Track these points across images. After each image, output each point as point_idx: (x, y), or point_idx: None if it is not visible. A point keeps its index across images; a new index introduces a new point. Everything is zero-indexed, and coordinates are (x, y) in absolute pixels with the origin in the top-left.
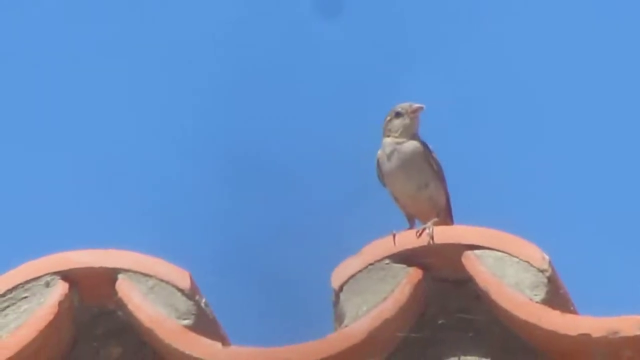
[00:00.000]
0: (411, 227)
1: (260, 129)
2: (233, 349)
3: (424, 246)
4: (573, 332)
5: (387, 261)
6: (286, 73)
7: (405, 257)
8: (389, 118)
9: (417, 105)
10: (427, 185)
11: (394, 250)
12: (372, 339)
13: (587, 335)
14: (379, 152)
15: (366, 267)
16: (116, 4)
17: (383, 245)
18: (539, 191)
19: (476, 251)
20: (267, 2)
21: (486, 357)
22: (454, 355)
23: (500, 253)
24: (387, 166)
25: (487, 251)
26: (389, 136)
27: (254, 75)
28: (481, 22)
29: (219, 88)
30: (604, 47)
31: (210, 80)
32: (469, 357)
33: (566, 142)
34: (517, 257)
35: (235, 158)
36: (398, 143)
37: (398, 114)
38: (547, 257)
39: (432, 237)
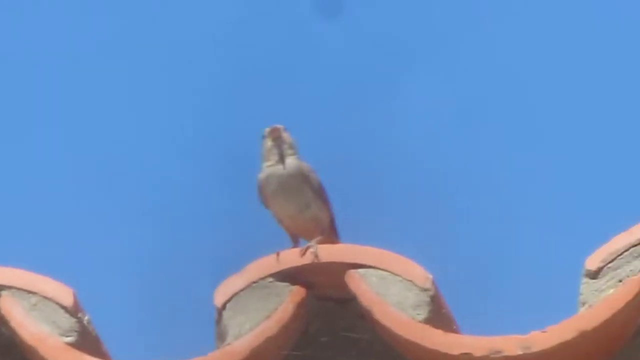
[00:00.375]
0: (295, 246)
1: (259, 128)
2: None
3: (308, 264)
4: (455, 352)
5: (270, 279)
6: (286, 73)
7: (289, 276)
8: (263, 142)
9: (270, 128)
10: (309, 206)
11: (278, 268)
12: (254, 357)
13: (469, 355)
14: (259, 175)
15: (249, 285)
16: (116, 4)
17: (267, 264)
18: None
19: (360, 270)
20: (267, 2)
21: None
22: None
23: (383, 272)
24: (267, 190)
25: (370, 270)
26: (264, 162)
27: (254, 75)
28: (481, 22)
29: (219, 88)
30: (601, 47)
31: (209, 80)
32: None
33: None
34: (400, 276)
35: (235, 158)
36: (273, 166)
37: (263, 137)
38: (430, 276)
39: (316, 256)
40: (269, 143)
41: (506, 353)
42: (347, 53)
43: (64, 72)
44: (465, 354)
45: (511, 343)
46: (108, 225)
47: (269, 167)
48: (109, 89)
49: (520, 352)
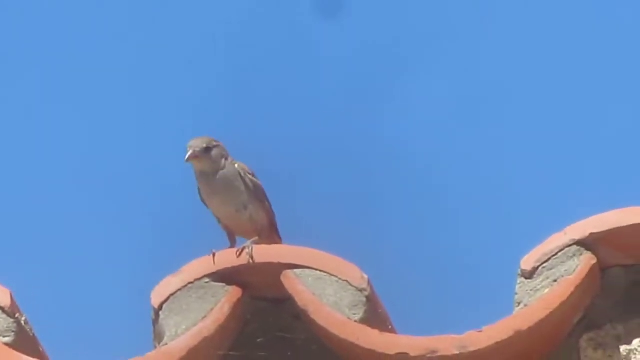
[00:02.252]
0: (232, 245)
1: (259, 128)
2: None
3: (244, 265)
4: (391, 351)
5: (206, 280)
6: (286, 73)
7: (225, 276)
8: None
9: (186, 156)
10: (246, 207)
11: (214, 269)
12: (191, 357)
13: (406, 355)
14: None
15: (186, 285)
16: (116, 5)
17: (203, 264)
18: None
19: (296, 270)
20: (267, 2)
21: None
22: None
23: (319, 272)
24: (204, 190)
25: (306, 270)
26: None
27: (254, 74)
28: (481, 22)
29: (218, 88)
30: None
31: (209, 80)
32: None
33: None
34: (336, 277)
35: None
36: (206, 171)
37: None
38: (365, 276)
39: (251, 257)
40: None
41: (442, 353)
42: (347, 52)
43: (61, 72)
44: (402, 353)
45: (447, 343)
46: (43, 224)
47: (203, 171)
48: (108, 89)
49: (456, 352)
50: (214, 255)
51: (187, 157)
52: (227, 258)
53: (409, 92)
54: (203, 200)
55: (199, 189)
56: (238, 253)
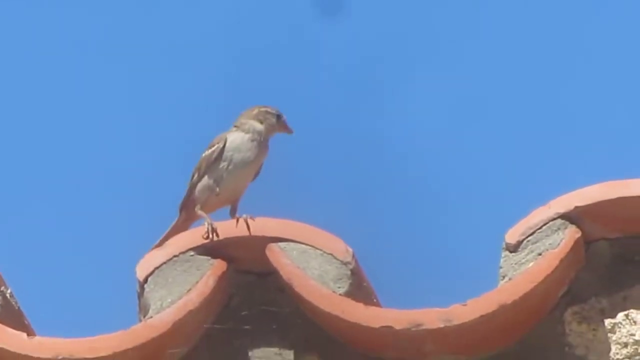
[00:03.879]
0: (233, 217)
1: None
2: (38, 339)
3: (228, 238)
4: (376, 324)
5: (191, 253)
6: (286, 72)
7: (210, 249)
8: (265, 111)
9: (290, 128)
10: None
11: (199, 242)
12: (176, 330)
13: (390, 328)
14: (236, 135)
15: (171, 258)
16: (116, 5)
17: (188, 237)
18: (343, 183)
19: (280, 244)
20: (267, 2)
21: (290, 348)
22: (258, 347)
23: (304, 245)
24: (240, 155)
25: (291, 244)
26: (252, 125)
27: (253, 74)
28: (481, 22)
29: (218, 88)
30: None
31: (209, 80)
32: (272, 349)
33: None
34: (321, 250)
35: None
36: (259, 139)
37: (278, 117)
38: (350, 249)
39: (252, 218)
40: (277, 127)
41: (427, 326)
42: (347, 52)
43: (60, 72)
44: (386, 326)
45: (432, 316)
46: (29, 196)
47: (255, 136)
48: (108, 89)
49: (441, 325)
50: (212, 227)
51: (288, 129)
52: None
53: (409, 91)
54: (212, 163)
55: (222, 147)
56: (237, 223)
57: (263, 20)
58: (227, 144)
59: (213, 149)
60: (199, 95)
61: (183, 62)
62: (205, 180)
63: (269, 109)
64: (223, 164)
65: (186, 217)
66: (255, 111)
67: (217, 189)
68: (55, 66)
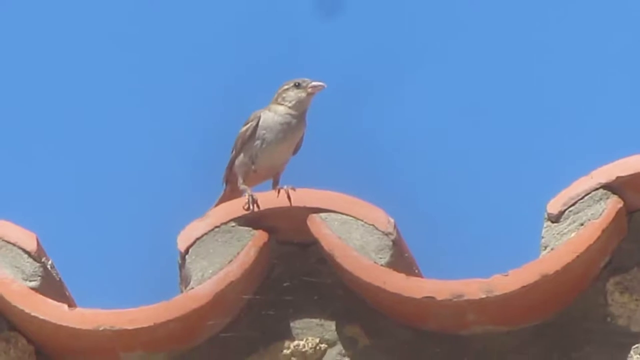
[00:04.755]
0: (274, 188)
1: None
2: (79, 310)
3: (270, 209)
4: (417, 295)
5: (233, 224)
6: (285, 73)
7: (251, 220)
8: (286, 87)
9: (318, 82)
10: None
11: (240, 212)
12: (217, 301)
13: (432, 298)
14: (268, 114)
15: (212, 229)
16: (116, 5)
17: (229, 208)
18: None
19: (321, 214)
20: (267, 2)
21: (331, 319)
22: (300, 318)
23: (345, 216)
24: (272, 134)
25: (332, 214)
26: (281, 105)
27: (253, 74)
28: (482, 22)
29: (217, 88)
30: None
31: (208, 80)
32: (314, 320)
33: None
34: (362, 221)
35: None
36: (292, 115)
37: (298, 85)
38: (392, 220)
39: (293, 189)
40: (303, 94)
41: (468, 297)
42: (347, 52)
43: (60, 71)
44: (428, 297)
45: (473, 287)
46: (70, 168)
47: (285, 115)
48: (108, 89)
49: (482, 296)
50: (252, 198)
51: (316, 85)
52: (264, 199)
53: (410, 91)
54: (248, 140)
55: (255, 126)
56: (277, 193)
57: (263, 20)
58: (260, 123)
59: (247, 126)
60: (198, 95)
61: (181, 61)
62: (242, 157)
63: (285, 87)
64: (257, 142)
65: (231, 189)
66: (280, 90)
67: (253, 166)
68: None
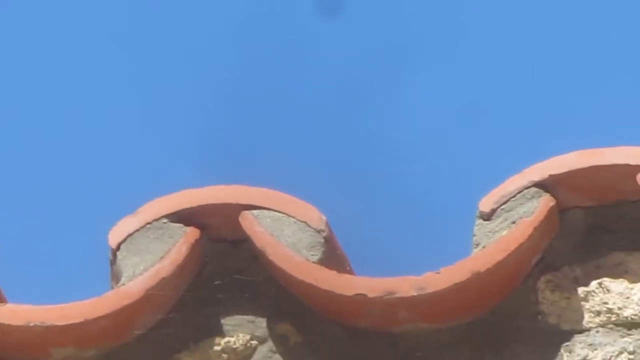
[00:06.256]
0: None
1: (258, 128)
2: (9, 306)
3: (201, 205)
4: (349, 292)
5: (164, 220)
6: (285, 72)
7: (183, 217)
8: None
9: None
10: None
11: (172, 209)
12: (148, 298)
13: (363, 296)
14: None
15: (144, 226)
16: (116, 5)
17: (161, 204)
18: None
19: (254, 211)
20: (267, 2)
21: (262, 316)
22: (231, 315)
23: (277, 213)
24: None
25: (264, 211)
26: None
27: (253, 74)
28: (482, 22)
29: (217, 88)
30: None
31: (208, 80)
32: (246, 317)
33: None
34: (294, 218)
35: (234, 158)
36: None
37: None
38: (324, 217)
39: None
40: None
41: (400, 294)
42: (347, 52)
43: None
44: (359, 294)
45: (405, 284)
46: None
47: None
48: (108, 89)
49: (414, 293)
50: None
51: None
52: (186, 198)
53: (410, 91)
54: None
55: None
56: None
57: (263, 20)
58: None
59: None
60: (197, 95)
61: (181, 62)
62: None
63: None
64: None
65: None
66: None
67: None
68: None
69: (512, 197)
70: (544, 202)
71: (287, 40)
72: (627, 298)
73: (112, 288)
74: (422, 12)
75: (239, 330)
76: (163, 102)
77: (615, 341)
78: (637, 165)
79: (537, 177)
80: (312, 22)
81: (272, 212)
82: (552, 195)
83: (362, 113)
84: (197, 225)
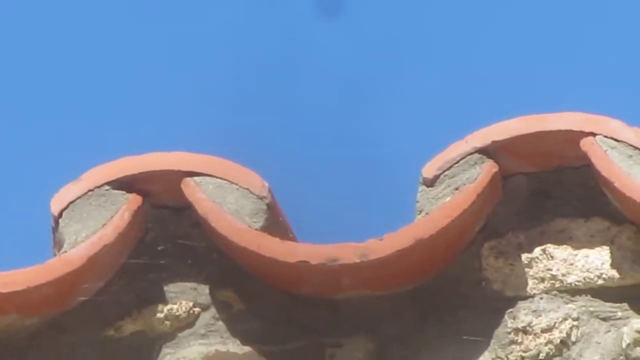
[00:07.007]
0: None
1: (259, 128)
2: None
3: (143, 172)
4: (292, 259)
5: (107, 187)
6: (285, 73)
7: (125, 184)
8: None
9: None
10: None
11: (114, 176)
12: (91, 265)
13: (306, 262)
14: None
15: (86, 193)
16: (115, 5)
17: (103, 171)
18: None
19: (196, 178)
20: (267, 2)
21: (205, 283)
22: (174, 282)
23: (220, 180)
24: None
25: (207, 178)
26: None
27: (253, 74)
28: (482, 22)
29: (217, 88)
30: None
31: (207, 80)
32: (188, 284)
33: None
34: (237, 184)
35: (235, 159)
36: None
37: None
38: (266, 184)
39: None
40: None
41: (343, 261)
42: (347, 52)
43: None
44: (302, 261)
45: (347, 251)
46: None
47: None
48: (109, 89)
49: (357, 260)
50: None
51: None
52: (127, 165)
53: (410, 92)
54: None
55: None
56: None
57: (263, 20)
58: None
59: None
60: (197, 95)
61: (181, 62)
62: None
63: None
64: None
65: None
66: None
67: None
68: None
69: (455, 163)
70: (487, 169)
71: (287, 40)
72: (571, 264)
73: (55, 255)
74: (422, 12)
75: (182, 297)
76: (161, 100)
77: (559, 307)
78: (581, 131)
79: (480, 144)
80: (312, 22)
81: (214, 178)
82: (495, 161)
83: (362, 113)
84: (139, 192)
